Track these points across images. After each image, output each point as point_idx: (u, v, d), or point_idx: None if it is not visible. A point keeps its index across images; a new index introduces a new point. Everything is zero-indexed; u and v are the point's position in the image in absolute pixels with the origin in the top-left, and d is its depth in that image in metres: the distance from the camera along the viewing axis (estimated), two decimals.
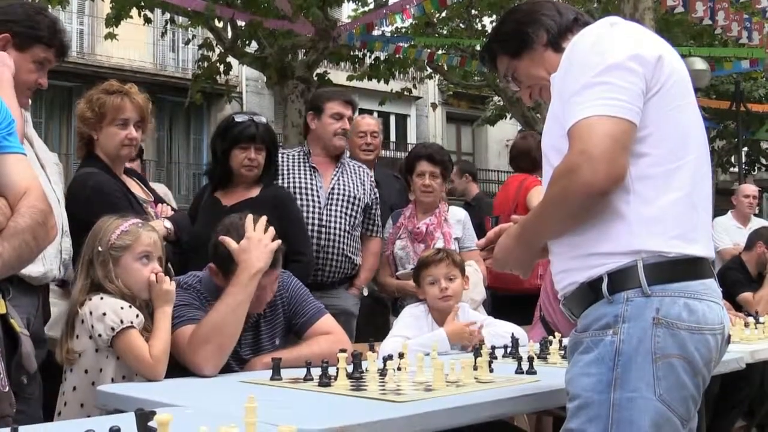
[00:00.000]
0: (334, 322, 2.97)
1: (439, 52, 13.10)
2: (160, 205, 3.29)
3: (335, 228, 4.00)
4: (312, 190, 4.03)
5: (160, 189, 4.63)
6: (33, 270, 2.48)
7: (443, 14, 14.49)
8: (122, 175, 3.21)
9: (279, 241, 2.77)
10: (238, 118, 3.63)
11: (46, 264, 2.59)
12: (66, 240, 2.74)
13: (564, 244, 1.87)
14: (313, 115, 4.17)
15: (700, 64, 11.00)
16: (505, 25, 2.21)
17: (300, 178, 4.04)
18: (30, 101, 2.74)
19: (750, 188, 6.99)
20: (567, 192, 1.75)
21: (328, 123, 4.11)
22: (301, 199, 3.98)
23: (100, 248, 2.55)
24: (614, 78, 1.73)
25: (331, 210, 4.02)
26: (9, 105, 2.10)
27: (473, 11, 15.71)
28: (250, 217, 2.76)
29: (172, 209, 3.39)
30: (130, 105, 3.11)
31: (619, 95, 1.72)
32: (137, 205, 3.12)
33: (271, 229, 2.77)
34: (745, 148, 18.07)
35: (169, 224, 3.14)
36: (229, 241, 2.69)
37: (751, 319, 4.17)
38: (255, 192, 3.59)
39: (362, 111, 19.86)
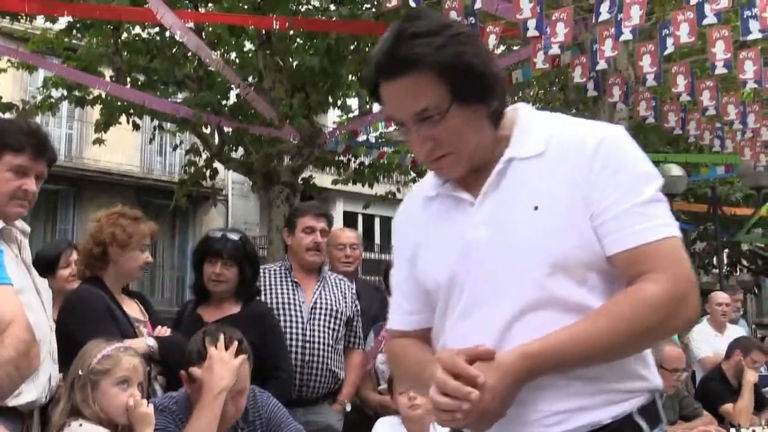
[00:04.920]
0: None
1: None
2: (159, 327, 3.32)
3: (319, 343, 3.99)
4: (295, 305, 4.03)
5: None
6: (26, 397, 2.49)
7: None
8: (119, 294, 3.29)
9: (243, 357, 2.84)
10: (212, 234, 3.77)
11: (38, 390, 2.58)
12: (54, 367, 2.75)
13: (575, 376, 1.54)
14: (288, 232, 4.24)
15: (676, 170, 11.24)
16: (464, 50, 1.55)
17: (282, 293, 4.05)
18: (26, 210, 2.70)
19: (721, 296, 7.01)
20: (668, 323, 1.51)
21: (300, 238, 4.15)
22: (284, 315, 3.98)
23: (80, 372, 2.57)
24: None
25: (314, 325, 4.01)
26: None
27: None
28: (212, 342, 2.84)
29: (172, 331, 3.40)
30: (149, 231, 3.34)
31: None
32: (125, 322, 3.17)
33: (234, 346, 2.82)
34: (727, 250, 18.28)
35: (152, 342, 3.15)
36: (194, 370, 2.79)
37: (733, 431, 4.15)
38: (236, 308, 3.62)
39: (347, 214, 20.12)
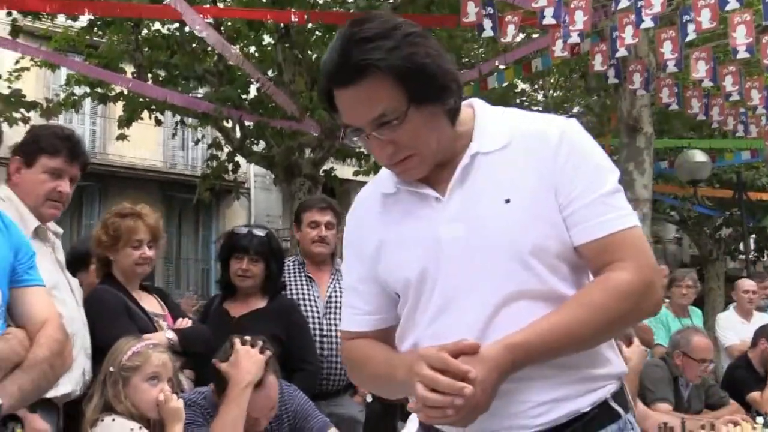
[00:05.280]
0: None
1: None
2: (180, 319, 3.36)
3: (336, 336, 4.00)
4: (310, 300, 4.04)
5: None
6: (61, 390, 2.58)
7: None
8: (135, 291, 3.31)
9: (268, 353, 2.87)
10: (238, 230, 3.80)
11: (72, 383, 2.69)
12: (88, 362, 2.85)
13: (557, 365, 1.56)
14: (296, 227, 4.26)
15: (700, 156, 11.17)
16: (415, 51, 1.52)
17: (297, 288, 4.07)
18: (59, 211, 2.88)
19: (747, 283, 6.89)
20: (639, 308, 1.57)
21: (306, 232, 4.15)
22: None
23: (112, 369, 2.63)
24: None
25: (330, 318, 4.02)
26: None
27: None
28: (238, 339, 2.89)
29: (193, 321, 3.44)
30: (143, 227, 3.25)
31: None
32: (143, 317, 3.20)
33: (260, 344, 2.87)
34: (753, 236, 18.10)
35: (171, 335, 3.20)
36: (218, 362, 2.82)
37: (760, 420, 4.12)
38: (262, 303, 3.67)
39: None
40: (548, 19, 6.57)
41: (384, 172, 1.73)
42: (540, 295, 1.56)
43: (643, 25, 6.46)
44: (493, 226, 1.56)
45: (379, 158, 1.62)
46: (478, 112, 1.68)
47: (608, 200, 1.58)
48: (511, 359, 1.49)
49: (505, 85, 12.26)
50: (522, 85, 16.08)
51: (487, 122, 1.66)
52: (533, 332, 1.51)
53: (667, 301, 6.10)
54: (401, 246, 1.65)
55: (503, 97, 15.44)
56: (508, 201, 1.57)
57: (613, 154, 11.67)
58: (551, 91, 16.59)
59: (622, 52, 6.95)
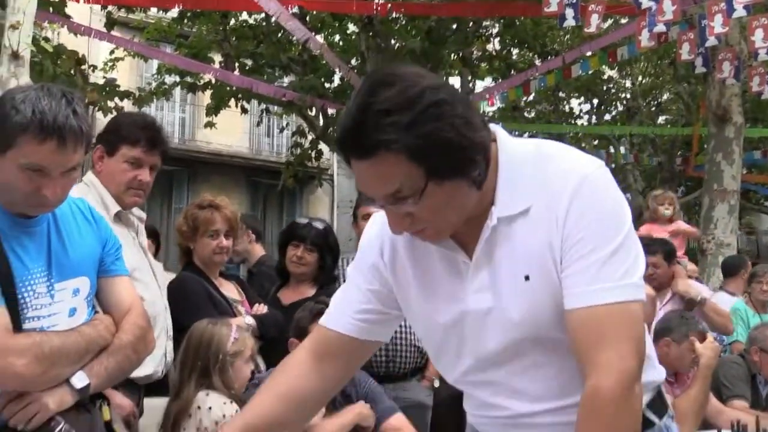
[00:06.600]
0: (405, 420, 3.15)
1: (525, 135, 13.24)
2: (257, 305, 3.52)
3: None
4: None
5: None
6: (143, 371, 2.68)
7: (530, 97, 14.67)
8: (217, 278, 3.47)
9: None
10: (299, 221, 3.99)
11: (154, 363, 2.81)
12: (169, 343, 2.97)
13: None
14: (354, 223, 4.28)
15: None
16: (437, 126, 1.35)
17: None
18: (141, 199, 2.92)
19: None
20: (630, 408, 1.39)
21: (362, 226, 4.11)
22: None
23: (220, 356, 2.77)
24: (633, 240, 1.48)
25: None
26: None
27: (560, 93, 15.88)
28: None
29: (269, 308, 3.59)
30: (220, 218, 3.39)
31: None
32: (225, 304, 3.37)
33: None
34: None
35: (250, 320, 3.36)
36: None
37: None
38: (312, 291, 3.79)
39: None
40: (646, 3, 6.44)
41: None
42: (554, 359, 1.51)
43: (735, 14, 6.27)
44: (515, 305, 1.49)
45: (393, 229, 1.50)
46: (501, 159, 1.51)
47: (601, 267, 1.41)
48: None
49: (591, 72, 12.07)
50: (609, 72, 15.78)
51: (511, 178, 1.50)
52: None
53: (746, 296, 5.95)
54: (427, 302, 1.60)
55: (589, 83, 15.23)
56: (527, 278, 1.47)
57: (703, 143, 11.37)
58: (639, 78, 16.21)
59: (711, 41, 6.76)
